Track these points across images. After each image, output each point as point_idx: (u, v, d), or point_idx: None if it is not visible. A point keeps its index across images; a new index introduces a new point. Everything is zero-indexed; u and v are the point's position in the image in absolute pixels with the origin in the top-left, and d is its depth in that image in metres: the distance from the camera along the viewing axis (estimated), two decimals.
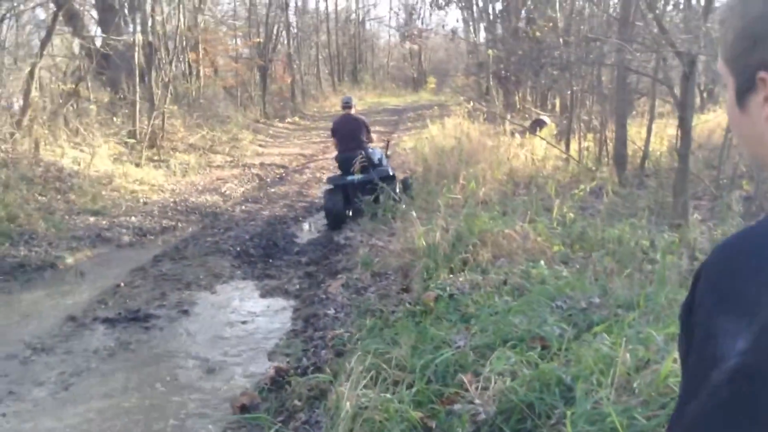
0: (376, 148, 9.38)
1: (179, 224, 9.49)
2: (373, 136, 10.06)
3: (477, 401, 3.06)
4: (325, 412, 3.46)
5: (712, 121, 12.17)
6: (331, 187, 8.66)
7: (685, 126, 7.38)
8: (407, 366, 3.50)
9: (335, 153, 9.17)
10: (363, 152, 8.39)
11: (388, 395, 3.10)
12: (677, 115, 7.52)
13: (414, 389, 3.18)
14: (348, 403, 2.73)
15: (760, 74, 0.84)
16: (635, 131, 11.87)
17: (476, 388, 3.18)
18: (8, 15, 14.00)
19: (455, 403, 3.14)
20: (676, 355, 2.71)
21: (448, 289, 4.80)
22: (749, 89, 0.86)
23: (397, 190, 7.83)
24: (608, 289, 4.45)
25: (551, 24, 11.46)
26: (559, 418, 2.85)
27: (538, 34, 10.42)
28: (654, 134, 11.01)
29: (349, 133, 8.77)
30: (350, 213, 8.43)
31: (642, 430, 2.42)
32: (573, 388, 2.95)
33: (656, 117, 11.56)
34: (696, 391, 0.72)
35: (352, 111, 9.15)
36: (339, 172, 8.81)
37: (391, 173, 8.58)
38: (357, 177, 8.21)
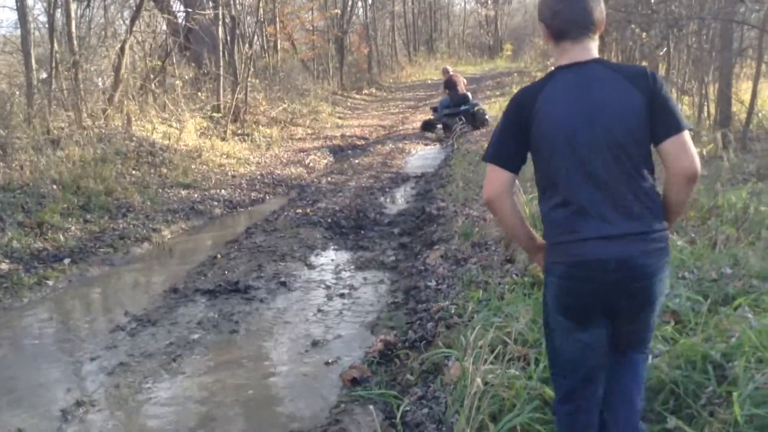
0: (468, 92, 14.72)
1: (267, 196, 9.56)
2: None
3: None
4: (442, 387, 3.30)
5: None
6: (449, 113, 14.03)
7: None
8: (529, 341, 3.30)
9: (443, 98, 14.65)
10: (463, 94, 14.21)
11: (515, 371, 2.92)
12: None
13: (541, 365, 2.99)
14: (478, 380, 2.56)
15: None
16: (733, 92, 11.09)
17: None
18: None
19: None
20: None
21: None
22: None
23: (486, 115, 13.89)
24: (739, 258, 4.10)
25: None
26: (709, 398, 2.60)
27: None
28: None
29: (454, 84, 14.21)
30: (461, 125, 12.80)
31: None
32: (724, 366, 2.69)
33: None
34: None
35: (450, 72, 14.70)
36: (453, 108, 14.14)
37: (476, 103, 14.45)
38: (462, 108, 13.88)
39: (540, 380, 2.89)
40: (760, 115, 10.58)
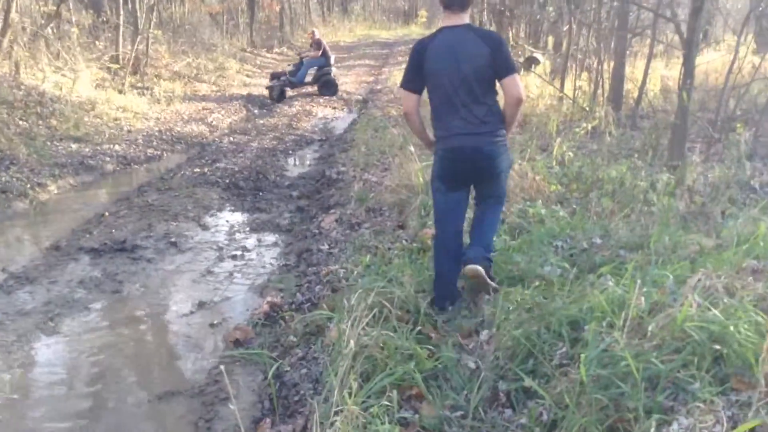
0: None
1: (164, 154, 9.27)
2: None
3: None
4: (322, 348, 3.37)
5: (713, 62, 11.84)
6: (325, 72, 14.67)
7: (689, 65, 7.17)
8: (408, 304, 3.40)
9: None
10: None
11: (390, 333, 3.01)
12: (682, 53, 7.29)
13: (417, 328, 3.10)
14: (351, 342, 2.63)
15: None
16: (628, 71, 11.62)
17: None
18: None
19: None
20: (692, 299, 2.63)
21: None
22: None
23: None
24: (609, 229, 4.36)
25: None
26: (561, 359, 2.77)
27: None
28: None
29: (327, 49, 14.86)
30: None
31: (657, 374, 2.34)
32: (578, 329, 2.86)
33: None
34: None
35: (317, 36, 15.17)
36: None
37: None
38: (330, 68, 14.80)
39: (414, 341, 3.00)
40: (651, 94, 11.13)
